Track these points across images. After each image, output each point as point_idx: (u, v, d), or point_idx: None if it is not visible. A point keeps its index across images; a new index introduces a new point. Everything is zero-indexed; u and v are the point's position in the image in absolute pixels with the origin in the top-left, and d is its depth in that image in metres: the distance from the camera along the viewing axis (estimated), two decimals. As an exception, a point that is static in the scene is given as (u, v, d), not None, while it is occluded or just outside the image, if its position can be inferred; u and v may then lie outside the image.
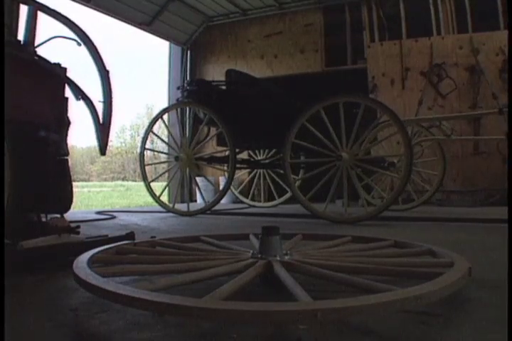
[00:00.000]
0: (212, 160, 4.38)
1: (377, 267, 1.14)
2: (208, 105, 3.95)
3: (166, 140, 5.06)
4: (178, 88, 4.34)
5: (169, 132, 4.62)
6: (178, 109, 4.44)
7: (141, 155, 4.44)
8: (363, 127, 3.37)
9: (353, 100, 3.38)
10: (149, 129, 4.43)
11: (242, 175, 5.96)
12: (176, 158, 4.25)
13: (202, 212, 4.10)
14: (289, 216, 3.98)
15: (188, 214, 4.13)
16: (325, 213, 3.42)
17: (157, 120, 4.34)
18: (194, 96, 4.09)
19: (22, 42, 1.92)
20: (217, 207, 4.25)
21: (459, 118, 4.85)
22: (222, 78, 4.33)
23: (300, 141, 3.46)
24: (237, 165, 4.35)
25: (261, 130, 3.89)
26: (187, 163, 4.22)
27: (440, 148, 4.53)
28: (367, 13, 6.57)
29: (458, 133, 5.67)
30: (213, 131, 4.38)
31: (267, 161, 4.91)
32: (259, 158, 5.13)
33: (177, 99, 4.39)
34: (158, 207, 4.45)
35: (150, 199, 4.58)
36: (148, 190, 4.37)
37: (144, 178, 4.39)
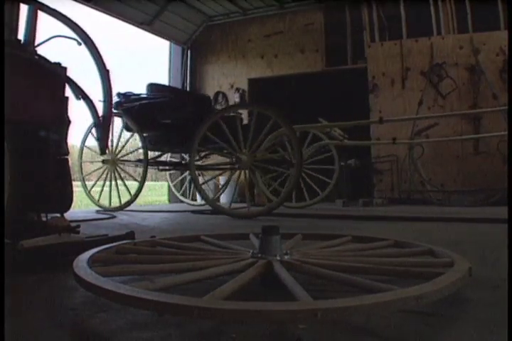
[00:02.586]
0: (140, 162, 4.90)
1: (377, 267, 1.14)
2: (131, 115, 4.43)
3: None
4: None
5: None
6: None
7: (79, 163, 5.12)
8: (258, 133, 3.70)
9: (246, 108, 3.75)
10: (83, 144, 5.03)
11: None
12: (103, 161, 4.84)
13: (121, 209, 4.68)
14: (289, 216, 3.98)
15: (117, 209, 4.71)
16: (228, 210, 3.84)
17: (90, 131, 4.85)
18: (120, 108, 4.53)
19: (22, 42, 1.92)
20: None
21: (344, 125, 4.84)
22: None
23: (209, 145, 3.84)
24: (162, 167, 5.21)
25: (174, 137, 4.37)
26: (113, 165, 4.83)
27: (337, 152, 4.94)
28: (367, 13, 6.57)
29: (458, 133, 5.68)
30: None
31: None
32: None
33: None
34: (158, 207, 4.54)
35: (150, 198, 4.67)
36: (86, 193, 5.06)
37: (83, 179, 5.12)
